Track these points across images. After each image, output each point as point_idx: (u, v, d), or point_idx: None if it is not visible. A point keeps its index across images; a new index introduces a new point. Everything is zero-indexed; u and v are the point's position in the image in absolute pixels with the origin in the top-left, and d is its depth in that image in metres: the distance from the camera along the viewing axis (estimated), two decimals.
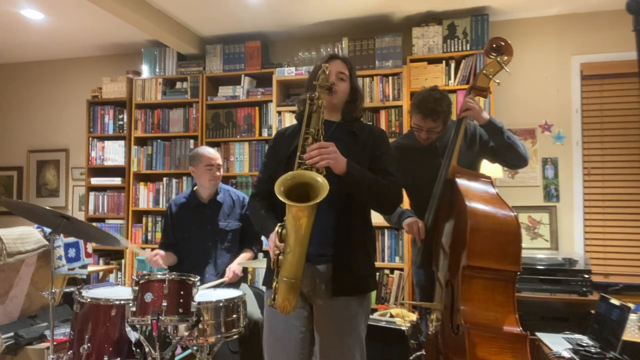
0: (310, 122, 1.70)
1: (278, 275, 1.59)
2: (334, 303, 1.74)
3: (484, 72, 2.32)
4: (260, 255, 3.10)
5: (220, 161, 2.94)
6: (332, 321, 1.75)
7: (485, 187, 2.12)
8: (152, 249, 2.90)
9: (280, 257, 1.57)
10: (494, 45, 2.32)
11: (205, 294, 2.42)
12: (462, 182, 2.11)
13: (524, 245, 1.96)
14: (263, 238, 3.14)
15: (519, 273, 1.95)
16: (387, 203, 1.85)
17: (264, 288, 1.95)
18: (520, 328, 1.86)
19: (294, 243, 1.54)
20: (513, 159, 2.38)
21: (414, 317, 3.11)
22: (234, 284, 2.81)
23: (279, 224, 1.59)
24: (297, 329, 1.76)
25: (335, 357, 1.74)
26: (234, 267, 2.80)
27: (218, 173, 2.91)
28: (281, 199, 1.53)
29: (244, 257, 2.92)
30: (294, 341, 1.75)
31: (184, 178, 4.32)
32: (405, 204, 2.51)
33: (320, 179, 1.56)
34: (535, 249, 3.72)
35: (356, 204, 1.78)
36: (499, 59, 2.30)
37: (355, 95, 1.92)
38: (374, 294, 3.65)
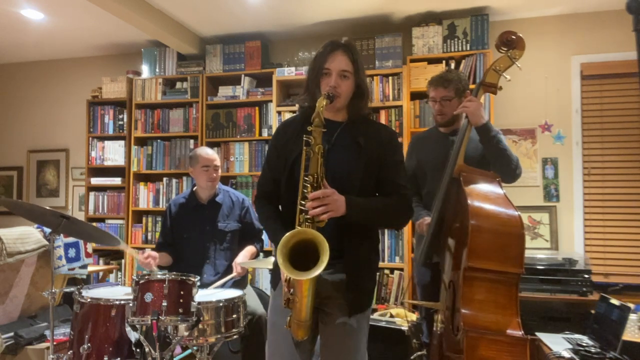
0: (308, 166, 1.57)
1: (291, 314, 1.63)
2: (338, 309, 1.72)
3: (494, 67, 2.23)
4: (262, 255, 3.10)
5: (218, 162, 2.91)
6: (334, 323, 1.73)
7: (490, 187, 2.08)
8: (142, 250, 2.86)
9: (290, 299, 1.60)
10: (505, 39, 2.23)
11: (205, 294, 2.42)
12: (466, 181, 2.08)
13: None
14: (264, 237, 3.14)
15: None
16: (395, 222, 1.84)
17: (266, 289, 1.95)
18: (522, 332, 1.83)
19: (300, 296, 1.57)
20: (501, 168, 2.28)
21: (414, 317, 3.10)
22: (241, 284, 2.82)
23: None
24: None
25: (336, 357, 1.74)
26: (240, 260, 2.78)
27: (215, 174, 2.89)
28: (283, 268, 1.48)
29: (248, 250, 2.90)
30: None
31: (184, 178, 4.32)
32: None
33: (320, 238, 1.48)
34: (535, 249, 3.72)
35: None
36: (509, 53, 2.21)
37: (360, 90, 1.75)
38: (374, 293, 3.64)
